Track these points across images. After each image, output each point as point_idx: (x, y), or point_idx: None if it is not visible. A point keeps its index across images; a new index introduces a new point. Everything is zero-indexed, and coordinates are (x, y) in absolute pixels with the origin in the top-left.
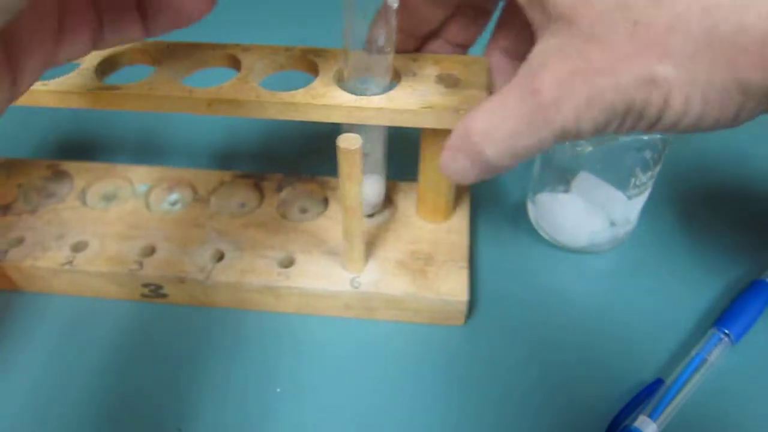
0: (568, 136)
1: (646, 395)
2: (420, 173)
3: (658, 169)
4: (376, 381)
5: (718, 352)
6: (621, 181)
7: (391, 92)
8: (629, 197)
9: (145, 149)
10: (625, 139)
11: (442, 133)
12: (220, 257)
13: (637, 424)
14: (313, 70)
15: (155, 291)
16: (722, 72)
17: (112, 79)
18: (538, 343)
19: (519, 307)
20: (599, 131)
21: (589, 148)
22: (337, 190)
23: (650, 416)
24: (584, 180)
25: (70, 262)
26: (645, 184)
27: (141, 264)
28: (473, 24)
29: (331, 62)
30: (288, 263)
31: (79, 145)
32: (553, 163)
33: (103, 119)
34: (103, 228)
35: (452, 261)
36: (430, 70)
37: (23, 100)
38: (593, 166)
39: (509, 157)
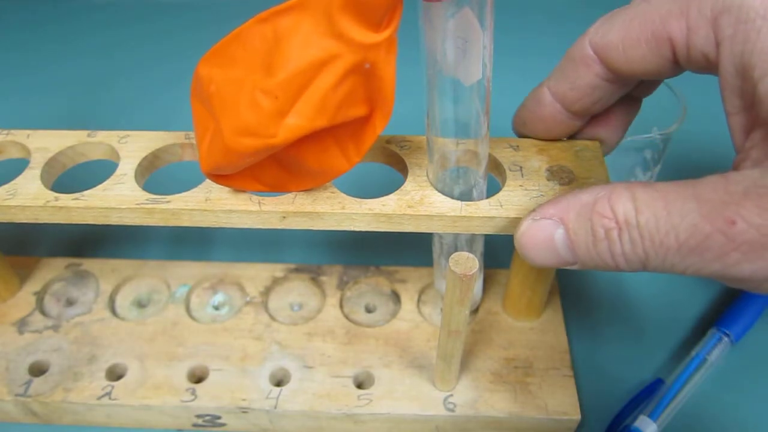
0: (732, 284)
1: (646, 395)
2: (514, 265)
3: (658, 169)
4: None
5: (718, 352)
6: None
7: (501, 195)
8: None
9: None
10: (625, 139)
11: None
12: (287, 379)
13: (637, 424)
14: (397, 164)
15: (211, 421)
16: None
17: (155, 181)
18: None
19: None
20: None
21: None
22: (408, 283)
23: (650, 416)
24: None
25: (108, 394)
26: None
27: (194, 392)
28: (630, 104)
29: (418, 154)
30: (367, 383)
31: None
32: None
33: None
34: (142, 346)
35: (554, 369)
36: (537, 162)
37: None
38: None
39: (632, 263)
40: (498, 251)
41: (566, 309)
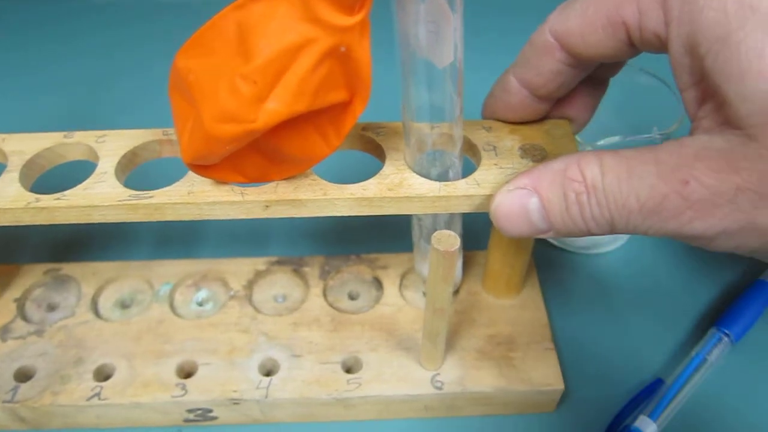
0: (687, 241)
1: (646, 395)
2: (491, 244)
3: None
4: None
5: (718, 352)
6: None
7: (477, 174)
8: None
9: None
10: (625, 139)
11: None
12: (276, 368)
13: (637, 424)
14: (374, 150)
15: (203, 415)
16: None
17: (135, 178)
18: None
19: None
20: (738, 252)
21: (589, 148)
22: (389, 269)
23: (650, 416)
24: None
25: (97, 395)
26: None
27: (184, 387)
28: (596, 86)
29: (394, 139)
30: (356, 367)
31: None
32: None
33: None
34: (128, 345)
35: (536, 342)
36: (510, 142)
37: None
38: None
39: (601, 225)
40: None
41: (552, 296)
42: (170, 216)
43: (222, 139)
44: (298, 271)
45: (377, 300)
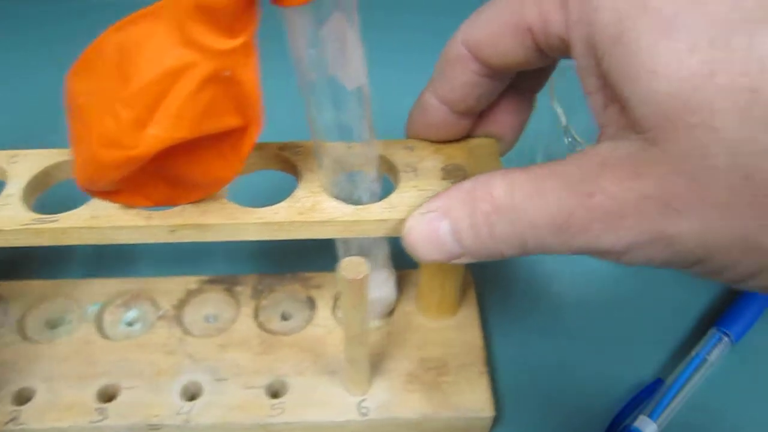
0: (599, 257)
1: (646, 395)
2: (421, 264)
3: None
4: None
5: (718, 352)
6: None
7: (393, 197)
8: None
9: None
10: None
11: None
12: (199, 393)
13: (637, 424)
14: (292, 170)
15: None
16: None
17: (51, 199)
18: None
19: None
20: (650, 265)
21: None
22: (323, 289)
23: (650, 416)
24: None
25: (13, 419)
26: None
27: (103, 412)
28: (521, 101)
29: (311, 160)
30: (281, 392)
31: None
32: None
33: None
34: (51, 367)
35: (469, 366)
36: (432, 162)
37: None
38: None
39: (512, 246)
40: None
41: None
42: (76, 240)
43: (106, 165)
44: (230, 291)
45: (309, 320)
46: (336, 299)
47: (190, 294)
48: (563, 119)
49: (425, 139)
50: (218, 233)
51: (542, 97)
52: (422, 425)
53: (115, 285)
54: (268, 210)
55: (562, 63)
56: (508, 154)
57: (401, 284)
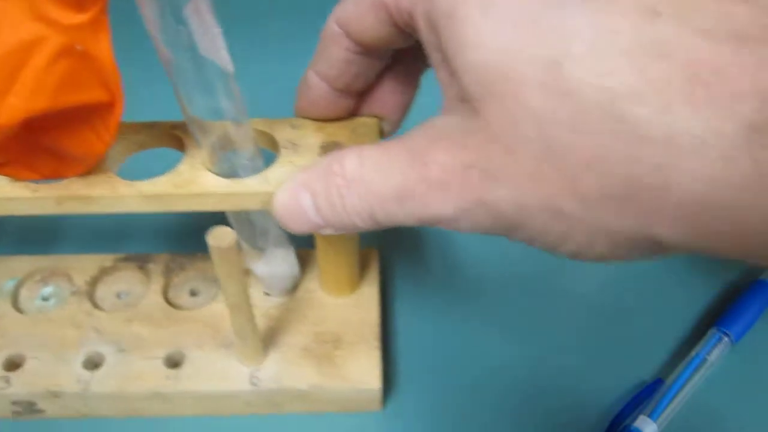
0: (439, 225)
1: (646, 395)
2: (317, 241)
3: None
4: None
5: (718, 352)
6: None
7: (268, 171)
8: None
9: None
10: None
11: None
12: (101, 363)
13: (637, 424)
14: (182, 148)
15: (28, 408)
16: (633, 224)
17: None
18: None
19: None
20: (479, 231)
21: None
22: None
23: (650, 416)
24: None
25: None
26: None
27: (8, 380)
28: (404, 82)
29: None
30: (177, 362)
31: None
32: None
33: None
34: None
35: (362, 341)
36: (314, 139)
37: None
38: None
39: (364, 218)
40: None
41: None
42: None
43: None
44: (143, 268)
45: (215, 297)
46: None
47: (104, 271)
48: None
49: (311, 118)
50: (101, 205)
51: None
52: (312, 396)
53: (33, 262)
54: (148, 183)
55: None
56: None
57: (308, 263)
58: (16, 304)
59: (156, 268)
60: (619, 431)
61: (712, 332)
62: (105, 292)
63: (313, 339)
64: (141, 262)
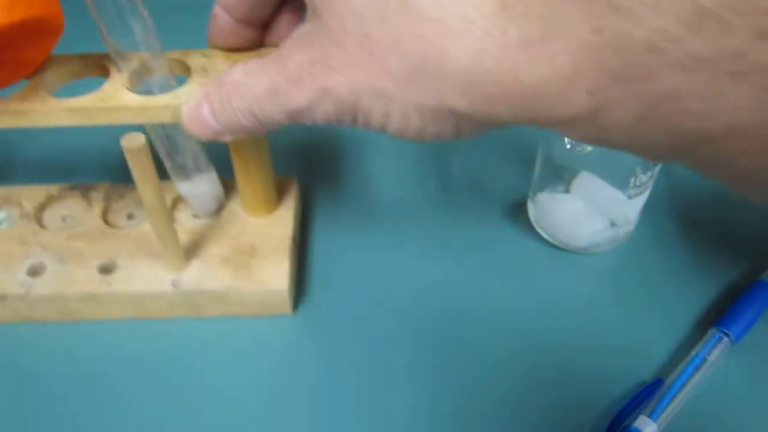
0: (303, 118)
1: (646, 395)
2: (234, 167)
3: (658, 168)
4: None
5: (718, 352)
6: (621, 181)
7: (180, 90)
8: (629, 197)
9: None
10: None
11: None
12: (42, 271)
13: (637, 424)
14: (108, 76)
15: None
16: (431, 96)
17: None
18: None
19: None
20: (333, 122)
21: (589, 148)
22: (165, 194)
23: (650, 416)
24: (584, 180)
25: None
26: (645, 184)
27: None
28: (299, 15)
29: (120, 64)
30: (110, 269)
31: None
32: (553, 162)
33: None
34: None
35: (276, 252)
36: (222, 66)
37: None
38: (593, 166)
39: (246, 116)
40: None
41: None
42: None
43: None
44: (85, 196)
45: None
46: (175, 201)
47: (51, 198)
48: None
49: (221, 49)
50: (34, 119)
51: None
52: (228, 297)
53: None
54: (75, 99)
55: None
56: (511, 153)
57: (232, 190)
58: None
59: (97, 195)
60: (619, 431)
61: (712, 332)
62: (51, 216)
63: (231, 250)
64: (84, 190)
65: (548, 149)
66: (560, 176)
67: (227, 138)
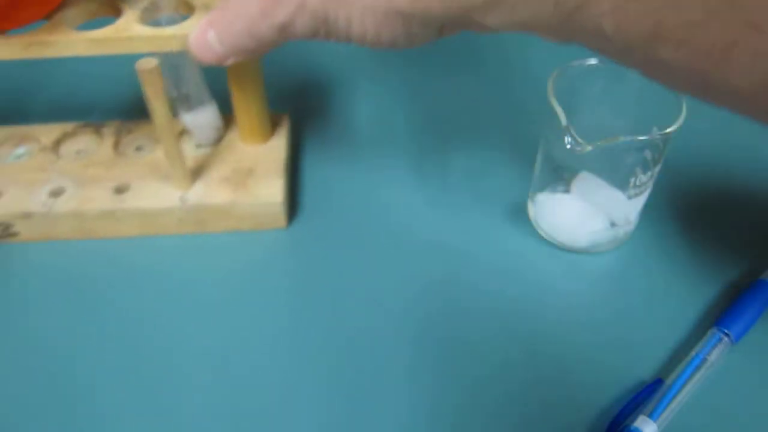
0: (287, 33)
1: (646, 395)
2: (233, 100)
3: (658, 168)
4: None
5: (718, 352)
6: (621, 181)
7: (185, 23)
8: (629, 197)
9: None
10: (625, 139)
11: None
12: (62, 193)
13: (637, 424)
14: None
15: (5, 230)
16: (381, 0)
17: None
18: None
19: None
20: (310, 36)
21: (589, 148)
22: None
23: (650, 416)
24: (584, 180)
25: None
26: (645, 184)
27: None
28: None
29: (132, 3)
30: (124, 190)
31: None
32: (554, 162)
33: None
34: None
35: (271, 173)
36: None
37: None
38: (593, 166)
39: (246, 37)
40: None
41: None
42: None
43: None
44: (98, 132)
45: (156, 149)
46: (179, 134)
47: (66, 135)
48: (563, 119)
49: None
50: (58, 49)
51: (542, 97)
52: (229, 210)
53: (9, 131)
54: (94, 31)
55: (564, 63)
56: (511, 153)
57: (230, 123)
58: None
59: (109, 131)
60: (619, 431)
61: (712, 332)
62: (67, 150)
63: (231, 172)
64: (96, 127)
65: (548, 149)
66: (560, 176)
67: (229, 61)
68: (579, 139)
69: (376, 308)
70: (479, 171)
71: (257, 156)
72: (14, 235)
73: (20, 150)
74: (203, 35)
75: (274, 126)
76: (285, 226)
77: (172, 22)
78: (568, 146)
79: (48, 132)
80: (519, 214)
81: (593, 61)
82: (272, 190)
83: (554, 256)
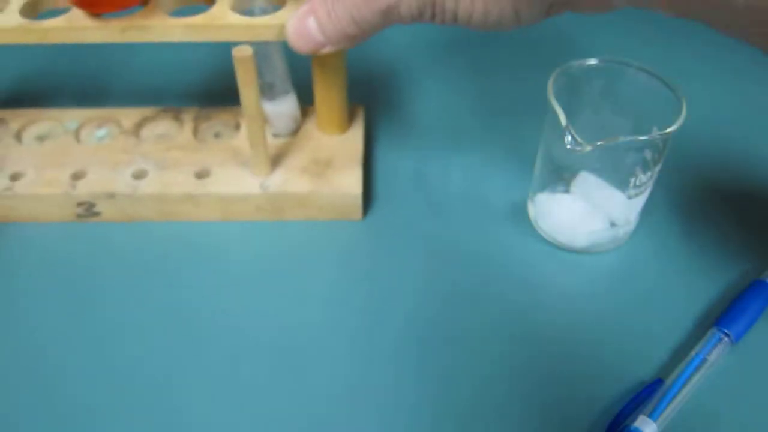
0: (392, 17)
1: (646, 395)
2: (315, 90)
3: (658, 169)
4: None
5: (718, 352)
6: (621, 181)
7: (279, 12)
8: (629, 197)
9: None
10: (625, 139)
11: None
12: (144, 175)
13: (637, 424)
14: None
15: (89, 209)
16: None
17: None
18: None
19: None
20: (416, 17)
21: (589, 148)
22: None
23: (650, 416)
24: (584, 180)
25: (9, 189)
26: (645, 184)
27: (74, 186)
28: None
29: None
30: (205, 175)
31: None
32: (554, 162)
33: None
34: (38, 159)
35: (348, 163)
36: None
37: None
38: (593, 166)
39: (348, 24)
40: None
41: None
42: (55, 39)
43: None
44: (177, 117)
45: (234, 137)
46: None
47: (146, 119)
48: (563, 119)
49: None
50: (155, 34)
51: (542, 98)
52: (307, 200)
53: (91, 112)
54: (190, 18)
55: (565, 63)
56: (511, 156)
57: (308, 115)
58: (77, 139)
59: (188, 116)
60: (619, 431)
61: (712, 332)
62: (147, 133)
63: (310, 162)
64: (176, 112)
65: (548, 149)
66: (560, 176)
67: (327, 50)
68: (579, 139)
69: (377, 308)
70: (480, 171)
71: (335, 147)
72: (97, 214)
73: (101, 132)
74: (303, 22)
75: (349, 117)
76: (361, 218)
77: (264, 12)
78: (568, 146)
79: (128, 115)
80: (519, 214)
81: (593, 61)
82: (351, 181)
83: (554, 256)
